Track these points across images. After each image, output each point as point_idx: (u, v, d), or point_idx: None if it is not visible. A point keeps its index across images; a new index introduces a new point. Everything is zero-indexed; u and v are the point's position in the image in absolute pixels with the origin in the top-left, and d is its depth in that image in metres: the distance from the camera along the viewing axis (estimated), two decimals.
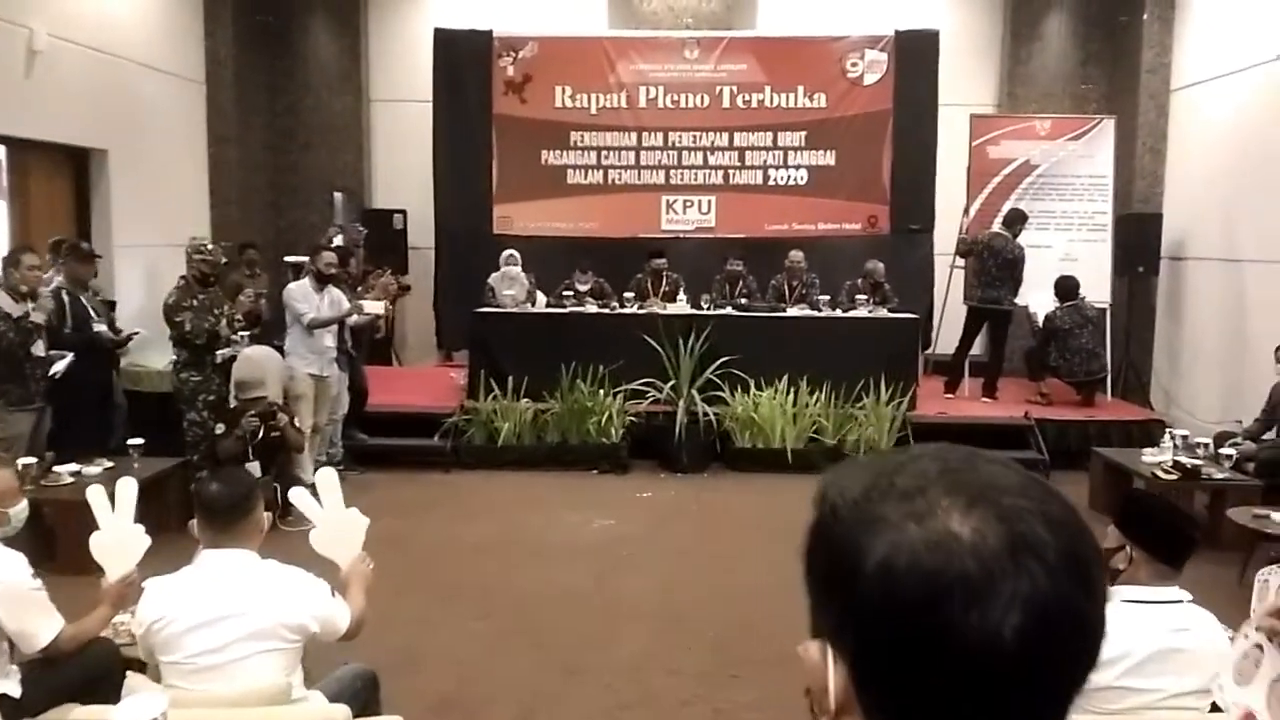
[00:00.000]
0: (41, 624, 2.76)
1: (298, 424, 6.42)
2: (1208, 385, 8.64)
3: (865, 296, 8.34)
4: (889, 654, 0.66)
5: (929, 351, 9.31)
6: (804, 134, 9.91)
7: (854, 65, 9.88)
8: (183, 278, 6.09)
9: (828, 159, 9.92)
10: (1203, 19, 8.95)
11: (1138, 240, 8.99)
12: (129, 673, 2.63)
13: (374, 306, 7.37)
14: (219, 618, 2.48)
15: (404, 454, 7.55)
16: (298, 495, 2.90)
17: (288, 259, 9.28)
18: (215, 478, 2.72)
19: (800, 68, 9.94)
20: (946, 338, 9.11)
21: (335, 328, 6.87)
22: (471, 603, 4.88)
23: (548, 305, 8.66)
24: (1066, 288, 8.32)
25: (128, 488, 2.90)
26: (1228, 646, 2.50)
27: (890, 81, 9.78)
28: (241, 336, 6.27)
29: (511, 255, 8.74)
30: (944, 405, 8.29)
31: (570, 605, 4.88)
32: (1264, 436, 6.40)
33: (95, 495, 2.84)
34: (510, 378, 7.78)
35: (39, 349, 5.51)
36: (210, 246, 6.12)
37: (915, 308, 8.73)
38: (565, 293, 8.61)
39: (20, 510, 2.98)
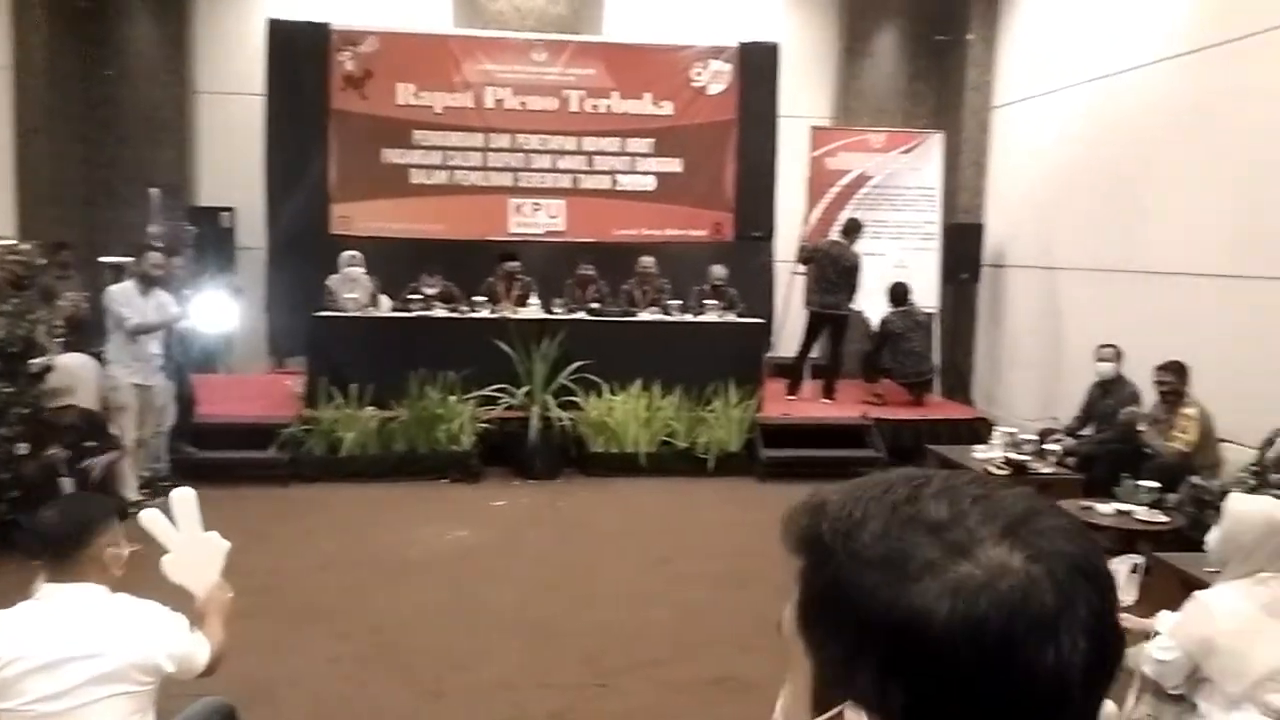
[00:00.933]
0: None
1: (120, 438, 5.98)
2: (1025, 385, 9.24)
3: (715, 301, 8.47)
4: (959, 701, 0.62)
5: (771, 355, 9.56)
6: (652, 140, 10.00)
7: (699, 74, 10.05)
8: None
9: (675, 166, 10.04)
10: (1022, 41, 9.58)
11: (962, 249, 9.53)
12: None
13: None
14: (63, 659, 2.23)
15: (238, 467, 7.13)
16: (150, 517, 2.64)
17: (103, 260, 8.61)
18: (57, 503, 2.45)
19: (647, 75, 10.02)
20: (787, 342, 9.39)
21: (161, 334, 6.41)
22: (325, 625, 4.64)
23: (393, 309, 8.37)
24: (899, 293, 8.72)
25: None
26: None
27: (734, 92, 10.00)
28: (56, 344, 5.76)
29: (354, 256, 8.40)
30: (788, 407, 8.52)
31: (431, 622, 4.72)
32: (1082, 432, 6.88)
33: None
34: (353, 385, 7.47)
35: None
36: (24, 247, 5.61)
37: (758, 312, 8.95)
38: (411, 296, 8.32)
39: None
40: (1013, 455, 6.43)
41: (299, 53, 9.52)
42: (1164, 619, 3.05)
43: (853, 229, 8.87)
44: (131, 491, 6.09)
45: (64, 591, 2.31)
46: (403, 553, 5.75)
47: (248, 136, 9.48)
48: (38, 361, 5.49)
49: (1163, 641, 2.91)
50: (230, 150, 9.98)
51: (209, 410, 7.43)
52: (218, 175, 10.19)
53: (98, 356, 6.16)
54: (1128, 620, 3.14)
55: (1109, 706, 2.59)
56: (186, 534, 2.62)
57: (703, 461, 7.55)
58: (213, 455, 7.13)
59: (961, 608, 0.60)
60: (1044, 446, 6.56)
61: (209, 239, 9.35)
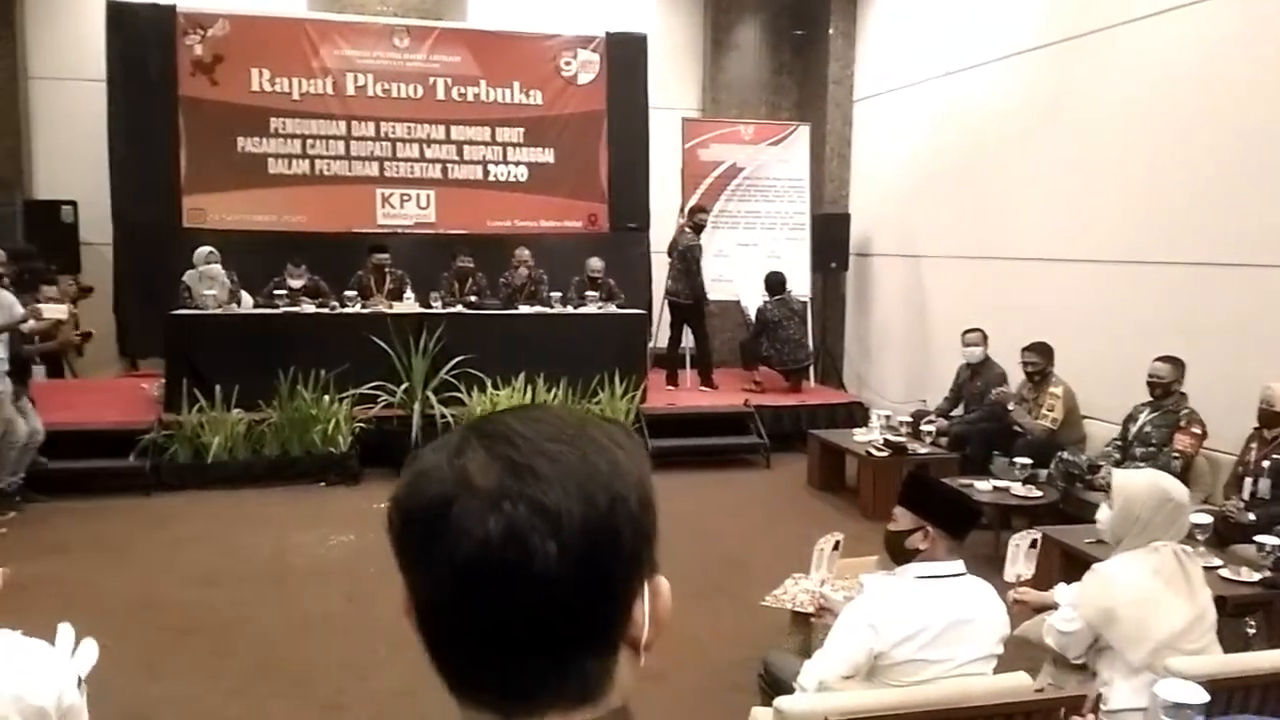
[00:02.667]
0: None
1: None
2: (894, 369, 9.59)
3: (594, 293, 8.42)
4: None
5: (651, 346, 9.59)
6: (522, 130, 9.86)
7: (568, 64, 9.97)
8: None
9: (547, 156, 9.93)
10: (880, 36, 9.90)
11: (830, 238, 9.78)
12: None
13: (54, 310, 6.41)
14: None
15: (94, 477, 6.66)
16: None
17: None
18: None
19: (515, 63, 9.86)
20: (665, 332, 9.44)
21: (5, 337, 5.89)
22: (207, 642, 4.36)
23: (256, 305, 7.97)
24: (775, 282, 8.88)
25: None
26: (1004, 614, 2.73)
27: (603, 82, 9.97)
28: None
29: (210, 253, 7.92)
30: (671, 397, 8.57)
31: (322, 633, 4.50)
32: (953, 413, 7.17)
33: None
34: (217, 386, 7.08)
35: None
36: None
37: (637, 303, 8.95)
38: (277, 291, 7.94)
39: None
40: (891, 437, 6.64)
41: (143, 36, 8.94)
42: (1062, 591, 3.18)
43: (693, 211, 9.00)
44: None
45: None
46: (285, 561, 5.48)
47: (89, 125, 8.86)
48: None
49: (1065, 614, 3.02)
50: (70, 140, 9.31)
51: (58, 418, 6.88)
52: (56, 166, 9.47)
53: None
54: (1027, 594, 3.27)
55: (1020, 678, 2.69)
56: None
57: None
58: (67, 465, 6.63)
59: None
60: (920, 428, 6.80)
61: (50, 235, 8.65)
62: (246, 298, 8.07)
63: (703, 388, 8.90)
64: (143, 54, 8.92)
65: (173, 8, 9.02)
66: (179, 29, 9.05)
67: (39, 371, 7.52)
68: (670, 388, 8.89)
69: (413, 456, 0.70)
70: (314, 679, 4.03)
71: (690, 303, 8.75)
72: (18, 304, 5.88)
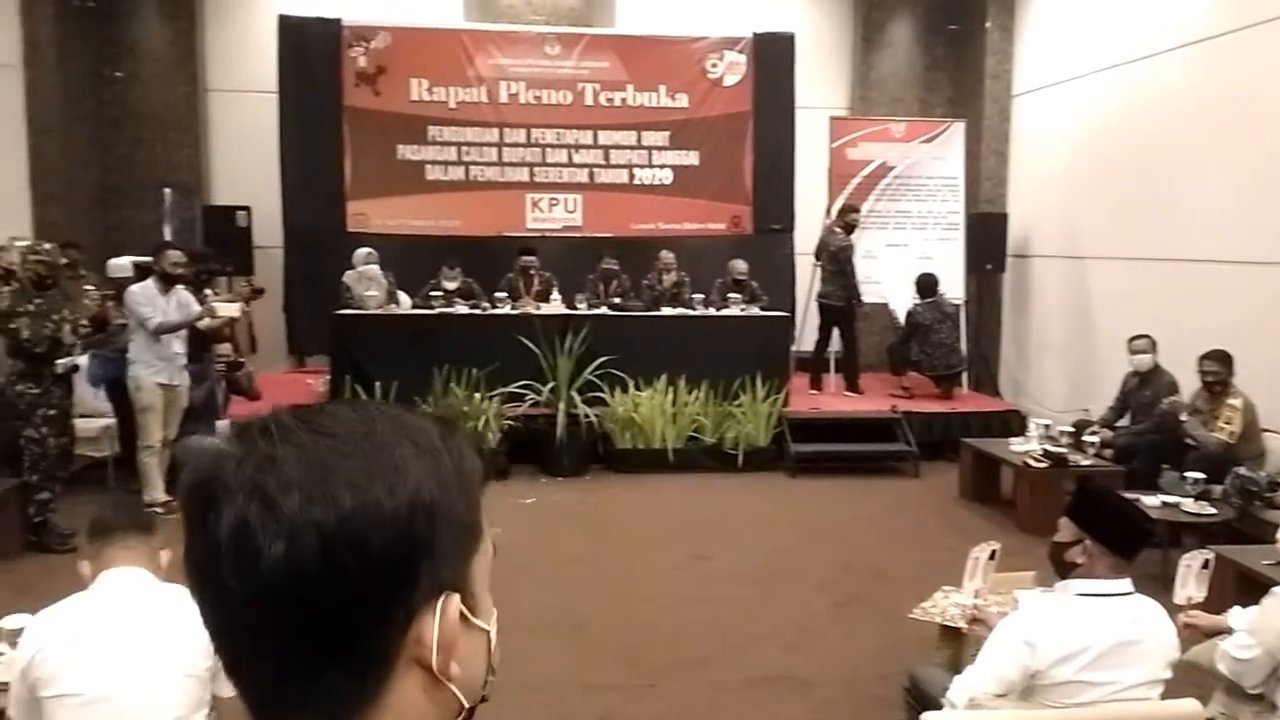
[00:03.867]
0: None
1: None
2: (1054, 376, 9.14)
3: (737, 295, 8.37)
4: None
5: (795, 349, 9.46)
6: (668, 134, 9.91)
7: (714, 66, 9.96)
8: (15, 280, 5.45)
9: (691, 159, 9.95)
10: (1041, 29, 9.46)
11: (986, 239, 9.42)
12: None
13: (227, 309, 6.83)
14: (119, 645, 2.17)
15: None
16: None
17: (115, 261, 8.50)
18: (111, 500, 2.51)
19: (661, 67, 9.93)
20: (810, 336, 9.28)
21: (184, 333, 6.32)
22: None
23: (413, 306, 8.29)
24: (926, 284, 8.61)
25: None
26: (1174, 636, 2.55)
27: (749, 83, 9.91)
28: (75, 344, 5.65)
29: (370, 254, 8.29)
30: (815, 401, 8.42)
31: None
32: (1118, 424, 6.77)
33: None
34: (377, 383, 7.39)
35: None
36: (48, 246, 5.50)
37: (780, 306, 8.85)
38: (432, 293, 8.25)
39: None
40: (1050, 447, 6.32)
41: (311, 49, 9.44)
42: (1238, 615, 2.96)
43: (844, 211, 8.78)
44: (159, 491, 6.00)
45: (119, 575, 2.27)
46: None
47: (262, 134, 9.40)
48: (63, 361, 5.40)
49: (1241, 639, 2.82)
50: (244, 148, 9.90)
51: (239, 409, 7.33)
52: (232, 174, 10.11)
53: (120, 355, 6.07)
54: (1198, 618, 3.04)
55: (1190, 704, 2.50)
56: None
57: (731, 457, 7.45)
58: None
59: None
60: (1082, 438, 6.45)
61: (226, 239, 9.25)
62: (404, 298, 8.40)
63: (848, 393, 8.71)
64: (310, 66, 9.43)
65: (338, 21, 9.49)
66: (344, 42, 9.52)
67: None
68: (814, 392, 8.74)
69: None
70: None
71: (842, 304, 8.57)
72: (194, 302, 6.28)
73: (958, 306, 8.89)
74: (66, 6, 9.00)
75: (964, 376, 9.04)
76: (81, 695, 2.15)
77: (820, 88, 10.38)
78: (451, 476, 0.66)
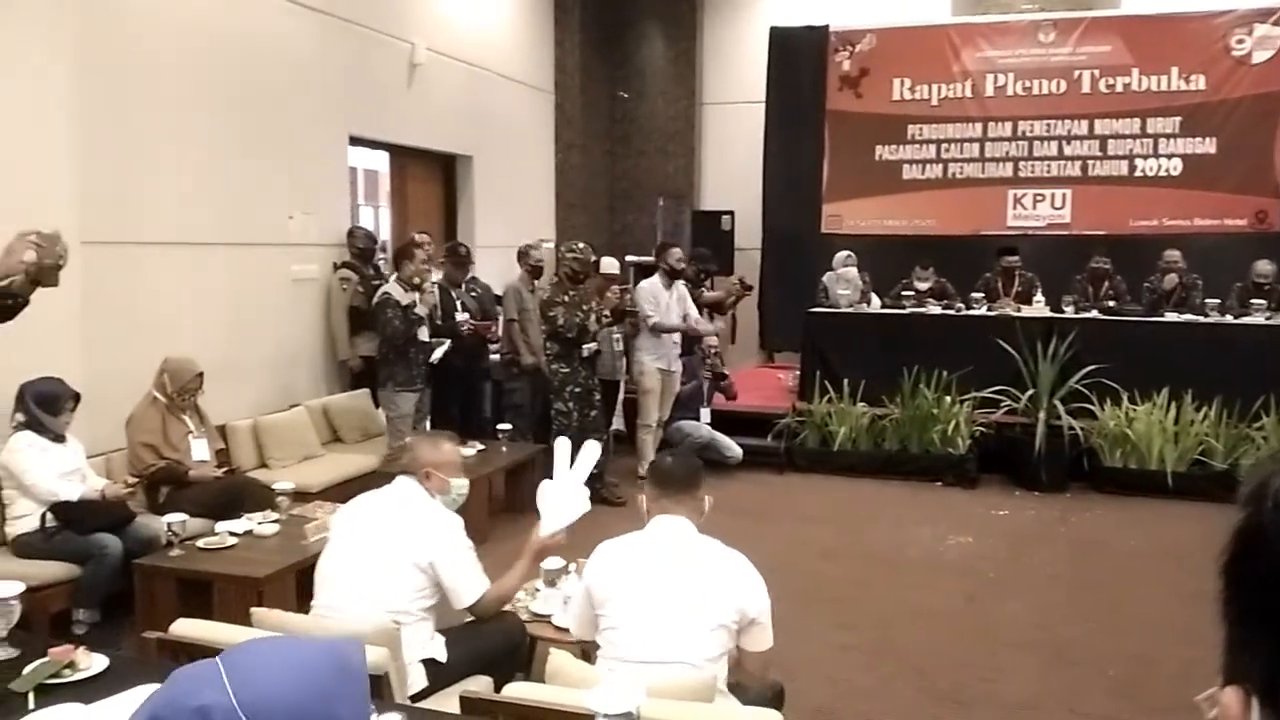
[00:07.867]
0: (473, 580, 2.90)
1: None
2: None
3: (1261, 302, 7.26)
4: None
5: None
6: (1178, 119, 8.91)
7: (1240, 42, 8.77)
8: (556, 275, 6.38)
9: (1207, 147, 8.85)
10: None
11: None
12: (552, 650, 2.62)
13: (710, 330, 7.52)
14: (665, 587, 2.47)
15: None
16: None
17: (605, 259, 9.52)
18: (670, 453, 2.92)
19: (1174, 47, 8.94)
20: None
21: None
22: (830, 613, 4.65)
23: (884, 306, 8.29)
24: None
25: (591, 450, 3.08)
26: None
27: None
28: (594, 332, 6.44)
29: (849, 256, 8.44)
30: None
31: (939, 627, 4.53)
32: None
33: (561, 444, 3.09)
34: (845, 380, 7.49)
35: (423, 335, 5.95)
36: (581, 245, 6.32)
37: None
38: (904, 293, 8.19)
39: (461, 485, 3.10)
40: None
41: (798, 57, 9.84)
42: None
43: None
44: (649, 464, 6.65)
45: (669, 520, 2.61)
46: (901, 551, 5.62)
47: (747, 143, 10.00)
48: (589, 346, 6.19)
49: None
50: (731, 156, 10.60)
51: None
52: (719, 181, 10.88)
53: (627, 343, 6.81)
54: None
55: None
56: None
57: None
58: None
59: None
60: None
61: (711, 241, 9.97)
62: (875, 298, 8.44)
63: None
64: (796, 74, 9.83)
65: (826, 28, 9.77)
66: (830, 47, 9.78)
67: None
68: None
69: None
70: (934, 671, 4.06)
71: None
72: (689, 299, 6.87)
73: None
74: (589, 34, 10.26)
75: None
76: (618, 627, 2.47)
77: None
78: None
